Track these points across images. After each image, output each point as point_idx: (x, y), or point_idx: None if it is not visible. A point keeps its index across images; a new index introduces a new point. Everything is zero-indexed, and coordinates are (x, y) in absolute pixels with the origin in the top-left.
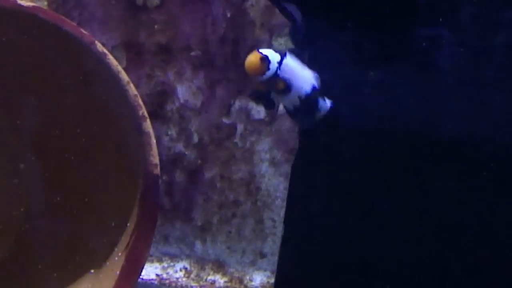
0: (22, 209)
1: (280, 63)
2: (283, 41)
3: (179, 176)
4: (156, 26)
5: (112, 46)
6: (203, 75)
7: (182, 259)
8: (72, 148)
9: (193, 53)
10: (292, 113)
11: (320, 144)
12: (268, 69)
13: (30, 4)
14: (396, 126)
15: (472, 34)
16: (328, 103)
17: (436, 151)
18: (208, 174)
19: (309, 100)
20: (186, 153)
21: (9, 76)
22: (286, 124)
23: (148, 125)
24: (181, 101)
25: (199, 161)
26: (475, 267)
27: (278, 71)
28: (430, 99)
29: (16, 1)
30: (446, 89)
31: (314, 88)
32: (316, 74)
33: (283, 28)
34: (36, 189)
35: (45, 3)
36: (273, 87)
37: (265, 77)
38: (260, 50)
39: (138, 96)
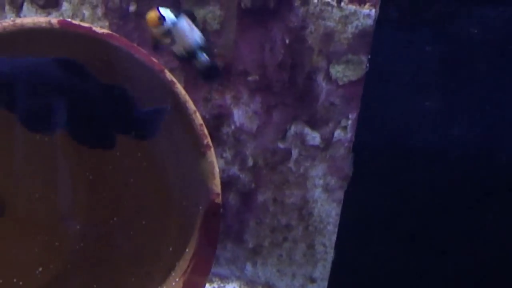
0: (78, 227)
1: (174, 22)
2: (341, 69)
3: (233, 199)
4: (215, 50)
5: (171, 68)
6: (259, 100)
7: (232, 281)
8: (134, 171)
9: (250, 78)
10: (180, 59)
11: (373, 172)
12: (162, 24)
13: (104, 31)
14: (451, 153)
15: None
16: (206, 58)
17: (494, 179)
18: (261, 198)
19: (191, 53)
20: (241, 176)
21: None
22: (340, 151)
23: (212, 155)
24: (237, 124)
25: (253, 185)
26: None
27: (170, 27)
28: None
29: (91, 28)
30: None
31: (196, 43)
32: (201, 35)
33: (340, 55)
34: (93, 208)
35: (107, 23)
36: (164, 38)
37: (159, 30)
38: (160, 9)
39: (204, 126)
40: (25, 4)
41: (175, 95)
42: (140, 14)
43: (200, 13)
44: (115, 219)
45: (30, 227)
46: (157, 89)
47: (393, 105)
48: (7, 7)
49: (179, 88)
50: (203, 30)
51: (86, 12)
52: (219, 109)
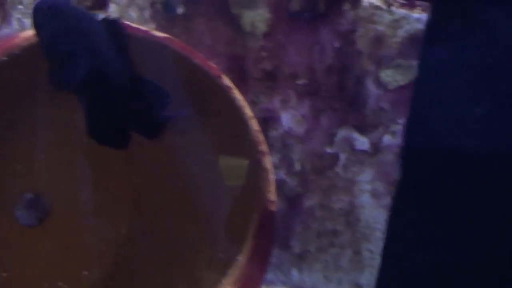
0: (123, 232)
1: None
2: (390, 73)
3: (279, 203)
4: (263, 53)
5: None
6: (308, 104)
7: (278, 286)
8: (184, 176)
9: (299, 81)
10: None
11: (422, 177)
12: None
13: (163, 34)
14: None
15: None
16: None
17: None
18: (308, 203)
19: None
20: (287, 180)
21: None
22: (389, 156)
23: (268, 161)
24: (285, 128)
25: (300, 189)
26: None
27: None
28: None
29: (148, 31)
30: None
31: None
32: None
33: (390, 60)
34: (140, 213)
35: (154, 26)
36: None
37: None
38: None
39: (260, 132)
40: None
41: (231, 101)
42: (188, 17)
43: (248, 15)
44: (162, 224)
45: (75, 231)
46: (213, 94)
47: (442, 110)
48: None
49: (236, 93)
50: None
51: (134, 14)
52: (267, 112)
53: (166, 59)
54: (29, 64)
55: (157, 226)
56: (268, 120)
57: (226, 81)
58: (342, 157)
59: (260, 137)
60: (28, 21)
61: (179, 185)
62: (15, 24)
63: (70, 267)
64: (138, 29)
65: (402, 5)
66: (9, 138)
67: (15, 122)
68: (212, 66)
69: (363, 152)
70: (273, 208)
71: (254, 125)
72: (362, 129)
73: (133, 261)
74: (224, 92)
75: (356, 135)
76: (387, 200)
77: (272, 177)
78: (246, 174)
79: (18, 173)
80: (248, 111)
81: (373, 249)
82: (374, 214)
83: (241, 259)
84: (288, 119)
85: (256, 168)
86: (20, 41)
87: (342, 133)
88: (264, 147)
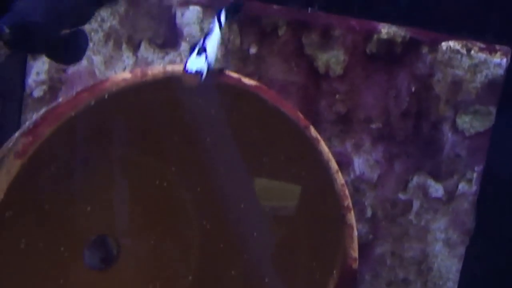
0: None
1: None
2: (468, 119)
3: None
4: (337, 96)
5: None
6: (382, 148)
7: None
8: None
9: (373, 125)
10: None
11: (497, 228)
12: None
13: (253, 83)
14: None
15: None
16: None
17: None
18: (378, 250)
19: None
20: (358, 226)
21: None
22: (464, 204)
23: (351, 217)
24: (357, 173)
25: (371, 236)
26: None
27: None
28: None
29: (240, 79)
30: None
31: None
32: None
33: (468, 105)
34: (209, 259)
35: (225, 64)
36: None
37: None
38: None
39: (345, 186)
40: (143, 43)
41: (318, 153)
42: (261, 57)
43: (323, 57)
44: (233, 272)
45: (141, 275)
46: (300, 144)
47: None
48: (124, 46)
49: (323, 145)
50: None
51: None
52: (339, 156)
53: (255, 108)
54: (112, 108)
55: (227, 277)
56: (340, 165)
57: (314, 132)
58: (416, 204)
59: (345, 191)
60: (97, 58)
61: (251, 234)
62: (83, 61)
63: None
64: (230, 76)
65: (482, 49)
66: (82, 177)
67: (89, 163)
68: (301, 116)
69: (438, 199)
70: (355, 265)
71: (340, 178)
72: (437, 176)
73: None
74: (311, 144)
75: (430, 182)
76: (461, 250)
77: (355, 233)
78: (329, 228)
79: (87, 213)
80: (334, 164)
81: None
82: (447, 264)
83: None
84: (361, 164)
85: (340, 224)
86: (110, 85)
87: (416, 179)
88: (349, 202)
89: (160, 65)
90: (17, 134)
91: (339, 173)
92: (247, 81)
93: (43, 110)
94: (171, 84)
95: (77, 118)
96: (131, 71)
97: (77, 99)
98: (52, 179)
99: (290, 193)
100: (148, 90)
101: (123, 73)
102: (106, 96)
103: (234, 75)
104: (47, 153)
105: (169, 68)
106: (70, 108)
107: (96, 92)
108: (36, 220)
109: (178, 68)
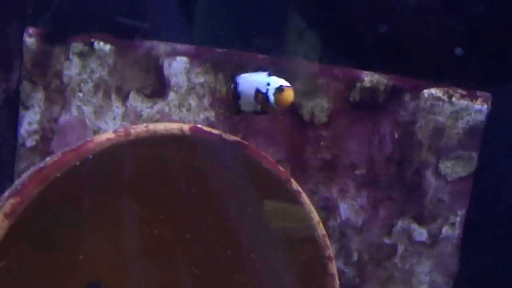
0: None
1: None
2: (450, 164)
3: None
4: (322, 143)
5: (277, 160)
6: (366, 194)
7: None
8: (251, 280)
9: (357, 171)
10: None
11: (481, 270)
12: None
13: (234, 138)
14: None
15: None
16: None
17: None
18: None
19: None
20: (345, 270)
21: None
22: (448, 248)
23: (333, 267)
24: (343, 218)
25: (357, 279)
26: None
27: None
28: None
29: (221, 135)
30: None
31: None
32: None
33: (450, 151)
34: None
35: (213, 114)
36: None
37: None
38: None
39: (326, 237)
40: (132, 93)
41: (300, 205)
42: None
43: (308, 105)
44: None
45: None
46: (281, 198)
47: (503, 202)
48: (113, 96)
49: (305, 198)
50: None
51: (193, 102)
52: (326, 201)
53: (237, 163)
54: (99, 165)
55: None
56: (326, 210)
57: (295, 185)
58: (400, 248)
59: (327, 242)
60: (87, 109)
61: (237, 283)
62: (74, 111)
63: None
64: (211, 133)
65: (463, 96)
66: (74, 228)
67: (80, 214)
68: (282, 170)
69: (422, 243)
70: None
71: (321, 229)
72: (421, 220)
73: None
74: (293, 197)
75: (414, 226)
76: None
77: (337, 283)
78: (310, 278)
79: (78, 262)
80: (315, 215)
81: None
82: None
83: None
84: (346, 209)
85: (322, 273)
86: (94, 146)
87: (400, 224)
88: (330, 252)
89: (142, 124)
90: (6, 193)
91: (321, 224)
92: (228, 137)
93: (31, 170)
94: (155, 141)
95: (63, 178)
96: (114, 131)
97: (62, 160)
98: (42, 232)
99: (274, 243)
100: (132, 147)
101: (106, 133)
102: (90, 157)
103: (215, 131)
104: (36, 212)
105: (152, 126)
106: (56, 169)
107: (80, 153)
108: (28, 270)
109: (160, 126)
